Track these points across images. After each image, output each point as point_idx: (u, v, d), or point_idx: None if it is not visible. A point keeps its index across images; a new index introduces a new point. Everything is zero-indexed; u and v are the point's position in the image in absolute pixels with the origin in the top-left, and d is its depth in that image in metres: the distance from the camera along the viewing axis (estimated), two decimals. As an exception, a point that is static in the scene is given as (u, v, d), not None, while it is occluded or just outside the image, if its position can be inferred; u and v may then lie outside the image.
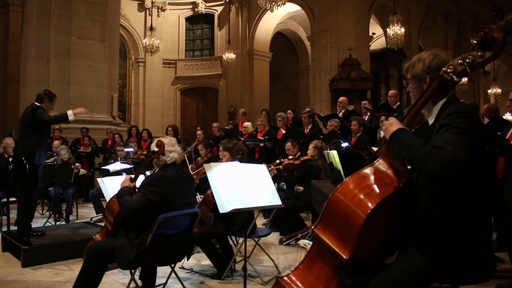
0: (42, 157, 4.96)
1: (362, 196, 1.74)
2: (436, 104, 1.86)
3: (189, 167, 6.27)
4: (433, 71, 1.85)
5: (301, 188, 5.55)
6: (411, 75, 1.95)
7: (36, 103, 4.93)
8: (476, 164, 1.70)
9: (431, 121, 1.88)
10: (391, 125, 1.82)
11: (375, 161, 1.86)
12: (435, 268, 1.71)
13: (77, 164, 7.36)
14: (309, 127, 7.54)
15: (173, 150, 3.15)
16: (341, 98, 7.91)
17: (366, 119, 7.11)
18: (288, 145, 5.97)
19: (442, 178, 1.60)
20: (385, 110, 6.38)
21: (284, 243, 5.12)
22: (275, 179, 4.37)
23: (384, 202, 1.70)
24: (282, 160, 6.09)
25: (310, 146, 5.67)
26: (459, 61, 1.76)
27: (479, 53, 1.73)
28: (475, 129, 1.68)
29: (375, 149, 4.75)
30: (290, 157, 5.88)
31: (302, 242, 2.67)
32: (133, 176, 3.26)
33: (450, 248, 1.70)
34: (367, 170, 1.84)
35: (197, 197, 4.22)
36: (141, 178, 3.36)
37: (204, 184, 4.60)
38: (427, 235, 1.75)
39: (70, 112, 5.02)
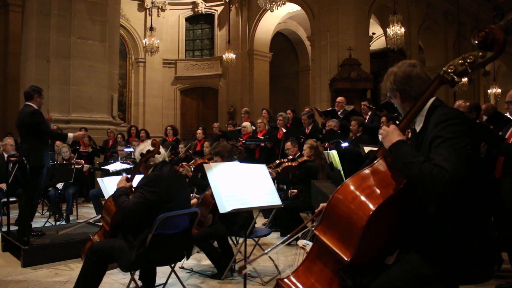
0: (47, 157, 4.97)
1: (363, 198, 1.73)
2: (422, 110, 1.83)
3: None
4: (398, 84, 1.91)
5: (296, 191, 5.56)
6: (387, 91, 2.02)
7: (29, 104, 4.87)
8: (474, 165, 1.70)
9: (418, 126, 1.87)
10: (391, 134, 1.80)
11: (375, 162, 1.85)
12: (437, 269, 1.71)
13: (78, 160, 7.36)
14: (310, 127, 7.55)
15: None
16: (339, 98, 7.94)
17: (367, 119, 7.11)
18: (288, 144, 5.97)
19: (445, 196, 1.64)
20: (387, 109, 6.37)
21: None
22: (275, 180, 4.35)
23: (385, 204, 1.70)
24: (282, 160, 6.09)
25: (305, 146, 5.59)
26: (460, 61, 1.75)
27: (480, 53, 1.72)
28: (466, 133, 1.68)
29: (366, 148, 4.74)
30: (290, 157, 5.87)
31: (301, 242, 2.65)
32: (129, 176, 3.26)
33: (451, 248, 1.69)
34: (367, 171, 1.83)
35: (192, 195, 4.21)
36: (137, 178, 3.36)
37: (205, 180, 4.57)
38: (427, 236, 1.75)
39: (70, 135, 5.11)
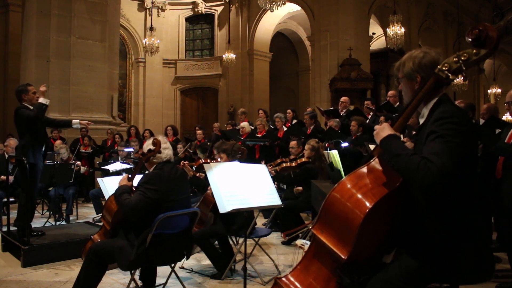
0: (38, 156, 4.85)
1: (359, 196, 1.74)
2: (428, 104, 1.84)
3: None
4: (423, 69, 1.84)
5: (301, 188, 5.53)
6: (402, 74, 1.93)
7: (20, 103, 4.90)
8: (469, 165, 1.70)
9: (421, 120, 1.87)
10: (383, 130, 1.82)
11: (372, 160, 1.86)
12: (434, 268, 1.71)
13: (77, 162, 7.36)
14: (311, 128, 7.55)
15: (167, 147, 3.20)
16: (343, 98, 7.92)
17: (369, 118, 7.10)
18: (293, 143, 5.94)
19: (431, 190, 1.63)
20: (387, 110, 6.36)
21: (288, 238, 5.02)
22: (274, 179, 4.36)
23: (381, 201, 1.70)
24: (283, 159, 6.08)
25: (307, 147, 5.54)
26: (454, 59, 1.75)
27: (474, 51, 1.73)
28: (463, 133, 1.67)
29: (372, 147, 4.74)
30: (292, 156, 5.87)
31: (300, 241, 2.67)
32: (130, 175, 3.26)
33: (447, 248, 1.70)
34: (364, 169, 1.84)
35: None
36: (138, 177, 3.36)
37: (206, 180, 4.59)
38: (424, 235, 1.75)
39: (76, 121, 5.13)
